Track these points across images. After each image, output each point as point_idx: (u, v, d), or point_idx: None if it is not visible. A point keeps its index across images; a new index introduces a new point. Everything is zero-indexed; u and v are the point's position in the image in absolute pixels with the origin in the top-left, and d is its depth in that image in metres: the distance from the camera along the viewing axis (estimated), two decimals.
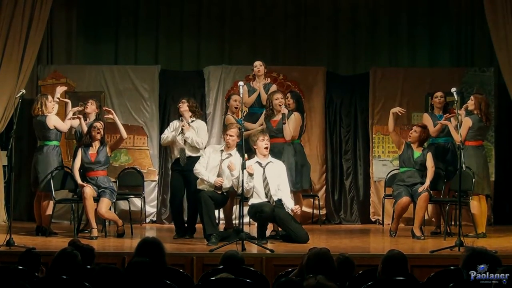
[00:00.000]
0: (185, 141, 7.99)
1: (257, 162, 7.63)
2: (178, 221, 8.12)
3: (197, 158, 7.97)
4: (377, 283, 4.47)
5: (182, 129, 8.01)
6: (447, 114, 8.29)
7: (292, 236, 7.44)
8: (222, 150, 7.85)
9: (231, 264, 4.83)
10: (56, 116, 8.25)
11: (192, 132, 8.00)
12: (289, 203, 7.53)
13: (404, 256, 4.59)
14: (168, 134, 8.15)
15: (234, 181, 7.56)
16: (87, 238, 7.51)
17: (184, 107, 8.09)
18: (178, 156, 8.04)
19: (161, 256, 4.75)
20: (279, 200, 7.55)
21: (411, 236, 7.91)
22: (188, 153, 8.00)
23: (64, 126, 8.24)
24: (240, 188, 7.26)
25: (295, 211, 7.51)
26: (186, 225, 8.12)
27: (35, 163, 8.15)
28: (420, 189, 7.91)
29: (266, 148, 7.63)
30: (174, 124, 8.20)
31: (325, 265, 4.38)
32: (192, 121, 8.07)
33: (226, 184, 7.65)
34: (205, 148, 8.07)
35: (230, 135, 7.76)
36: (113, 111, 8.29)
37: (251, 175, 7.42)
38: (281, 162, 7.78)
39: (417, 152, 8.17)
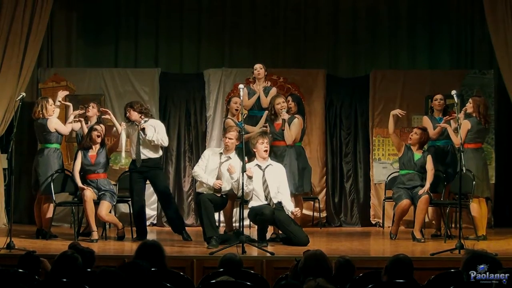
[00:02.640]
0: (142, 142, 7.90)
1: (256, 165, 7.64)
2: (140, 224, 8.09)
3: (158, 158, 8.04)
4: (377, 286, 4.47)
5: (143, 130, 7.89)
6: (446, 117, 8.29)
7: (292, 238, 7.45)
8: (221, 153, 7.85)
9: (229, 267, 4.83)
10: (57, 119, 8.26)
11: (152, 130, 7.92)
12: (289, 206, 7.53)
13: (410, 261, 4.59)
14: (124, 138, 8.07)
15: (234, 184, 7.56)
16: (87, 241, 7.51)
17: (134, 114, 7.97)
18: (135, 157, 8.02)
19: (161, 259, 4.76)
20: (279, 203, 7.55)
21: (411, 239, 7.91)
22: (148, 155, 7.95)
23: (65, 129, 8.25)
24: (240, 191, 7.26)
25: (295, 213, 7.51)
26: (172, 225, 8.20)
27: (36, 166, 8.15)
28: (421, 192, 7.91)
29: (266, 151, 7.64)
30: (127, 130, 8.08)
31: (322, 267, 4.39)
32: (146, 121, 7.99)
33: (226, 186, 7.66)
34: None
35: (230, 138, 7.77)
36: (109, 112, 8.30)
37: (250, 178, 7.43)
38: (281, 165, 7.78)
39: (417, 154, 8.17)
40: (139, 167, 7.96)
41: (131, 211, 8.20)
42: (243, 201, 7.27)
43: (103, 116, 8.44)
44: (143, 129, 7.90)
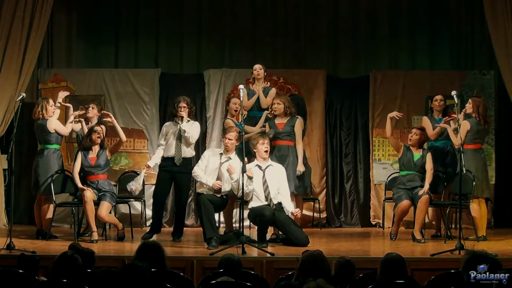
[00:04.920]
0: (180, 142, 7.92)
1: (257, 165, 7.64)
2: (157, 222, 8.12)
3: (190, 160, 8.02)
4: (377, 286, 4.47)
5: (182, 118, 7.86)
6: (446, 117, 8.29)
7: (293, 239, 7.45)
8: (221, 154, 7.85)
9: (228, 267, 4.84)
10: (57, 120, 8.25)
11: (187, 127, 7.95)
12: (289, 207, 7.53)
13: (402, 259, 4.59)
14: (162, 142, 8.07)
15: (234, 185, 7.56)
16: (88, 242, 7.51)
17: (185, 110, 7.97)
18: (173, 155, 7.96)
19: (161, 260, 4.76)
20: (279, 204, 7.55)
21: (411, 239, 7.91)
22: (183, 154, 7.95)
23: (64, 129, 8.25)
24: (240, 192, 7.26)
25: (295, 214, 7.51)
26: (174, 228, 8.21)
27: (36, 166, 8.15)
28: (421, 192, 7.91)
29: (266, 151, 7.64)
30: (167, 127, 8.08)
31: (320, 267, 4.39)
32: (188, 120, 8.01)
33: (226, 187, 7.65)
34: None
35: (229, 139, 7.76)
36: (111, 115, 8.29)
37: (250, 178, 7.42)
38: (281, 166, 7.78)
39: (417, 154, 8.18)
40: (170, 166, 7.94)
41: (131, 212, 8.18)
42: (243, 201, 7.26)
43: (104, 119, 8.43)
44: (182, 117, 7.86)
